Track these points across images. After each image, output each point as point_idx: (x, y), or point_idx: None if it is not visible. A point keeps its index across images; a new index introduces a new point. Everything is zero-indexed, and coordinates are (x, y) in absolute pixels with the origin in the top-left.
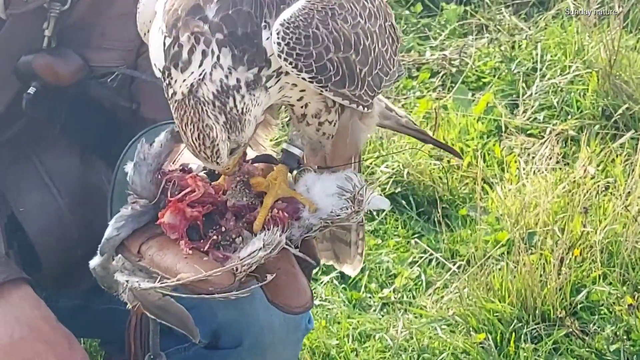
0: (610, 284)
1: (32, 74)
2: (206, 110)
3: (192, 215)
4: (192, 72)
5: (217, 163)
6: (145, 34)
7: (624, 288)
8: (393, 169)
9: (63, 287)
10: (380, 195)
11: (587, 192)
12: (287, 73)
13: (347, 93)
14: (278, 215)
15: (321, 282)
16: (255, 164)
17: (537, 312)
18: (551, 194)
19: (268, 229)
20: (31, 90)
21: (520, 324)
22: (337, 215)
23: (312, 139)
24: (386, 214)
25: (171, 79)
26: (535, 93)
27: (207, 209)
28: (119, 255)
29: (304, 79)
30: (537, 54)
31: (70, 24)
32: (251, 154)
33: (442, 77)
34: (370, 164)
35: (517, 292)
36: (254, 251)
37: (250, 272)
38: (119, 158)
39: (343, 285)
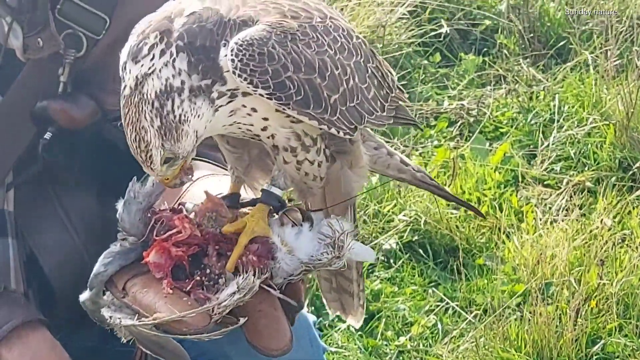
0: (626, 336)
1: (47, 119)
2: (145, 110)
3: (177, 254)
4: (143, 65)
5: (152, 169)
6: None
7: None
8: (410, 217)
9: (79, 326)
10: (367, 246)
11: (604, 243)
12: (245, 94)
13: (312, 114)
14: (249, 259)
15: (337, 329)
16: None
17: None
18: (568, 245)
19: (245, 272)
20: (47, 135)
21: None
22: (318, 260)
23: (295, 179)
24: (403, 262)
25: (125, 72)
26: (553, 144)
27: (193, 249)
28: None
29: (261, 95)
30: (554, 105)
31: (85, 69)
32: (244, 195)
33: (459, 126)
34: (388, 211)
35: (533, 342)
36: (229, 294)
37: (229, 314)
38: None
39: (359, 333)
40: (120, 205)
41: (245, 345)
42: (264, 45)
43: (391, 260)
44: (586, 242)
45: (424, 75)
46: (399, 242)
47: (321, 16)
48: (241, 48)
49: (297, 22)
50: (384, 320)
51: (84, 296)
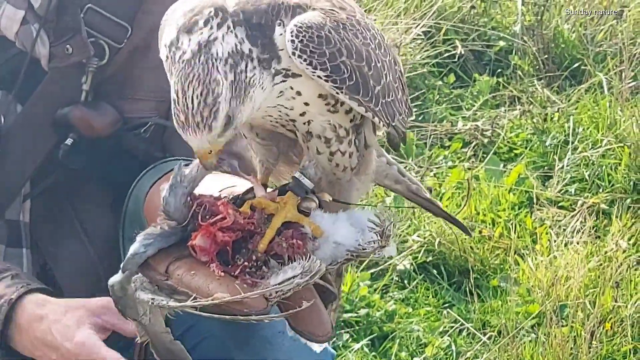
0: None
1: (69, 126)
2: (217, 66)
3: (223, 240)
4: (202, 33)
5: (210, 128)
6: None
7: None
8: (425, 238)
9: None
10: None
11: (619, 266)
12: (294, 75)
13: (361, 100)
14: (290, 243)
15: (351, 350)
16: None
17: None
18: (582, 267)
19: (289, 258)
20: (68, 141)
21: None
22: (364, 249)
23: (326, 170)
24: (417, 283)
25: (178, 42)
26: (567, 166)
27: (237, 235)
28: (138, 274)
29: (319, 77)
30: (569, 127)
31: (105, 77)
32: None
33: (474, 147)
34: (402, 232)
35: None
36: (291, 277)
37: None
38: (129, 190)
39: (373, 353)
40: (165, 188)
41: (252, 350)
42: (321, 29)
43: (405, 281)
44: (601, 264)
45: (438, 96)
46: (413, 263)
47: (361, 13)
48: (301, 29)
49: (345, 14)
50: (398, 341)
51: (114, 279)
